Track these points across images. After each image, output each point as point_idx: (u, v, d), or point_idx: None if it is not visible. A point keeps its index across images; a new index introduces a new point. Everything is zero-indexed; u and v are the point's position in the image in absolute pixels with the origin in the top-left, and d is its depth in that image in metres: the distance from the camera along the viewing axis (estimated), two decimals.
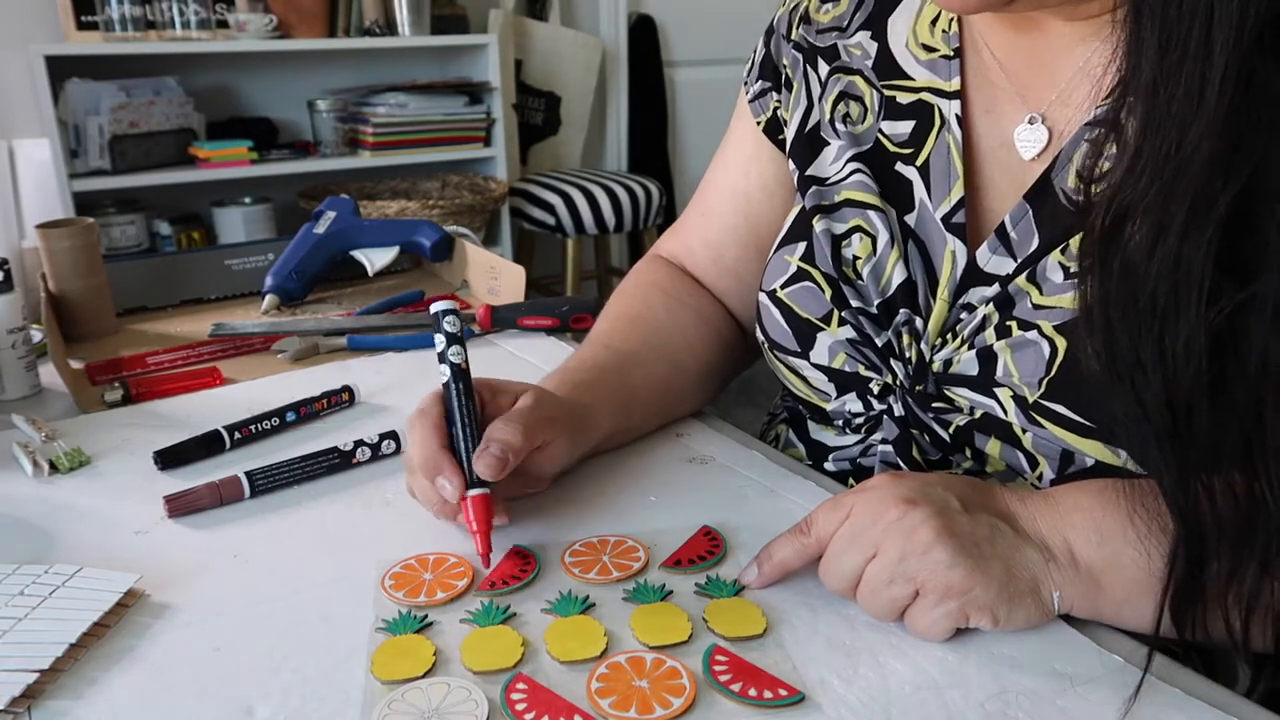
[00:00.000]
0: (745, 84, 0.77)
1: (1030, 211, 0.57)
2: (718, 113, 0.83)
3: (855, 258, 0.64)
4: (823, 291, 0.64)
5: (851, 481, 0.67)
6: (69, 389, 0.81)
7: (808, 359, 0.65)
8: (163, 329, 0.99)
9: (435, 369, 0.59)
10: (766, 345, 0.69)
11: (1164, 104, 0.44)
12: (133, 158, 2.17)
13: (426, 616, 0.51)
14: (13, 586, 0.52)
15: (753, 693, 0.44)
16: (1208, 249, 0.44)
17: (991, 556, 0.48)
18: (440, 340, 0.59)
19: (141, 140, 2.18)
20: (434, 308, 0.60)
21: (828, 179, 0.67)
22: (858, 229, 0.64)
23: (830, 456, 0.69)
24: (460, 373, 0.58)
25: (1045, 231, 0.57)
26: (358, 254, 1.10)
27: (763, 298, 0.68)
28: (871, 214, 0.63)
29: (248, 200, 2.38)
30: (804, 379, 0.67)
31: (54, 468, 0.67)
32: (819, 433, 0.71)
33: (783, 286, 0.66)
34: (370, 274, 1.11)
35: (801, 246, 0.66)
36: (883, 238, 0.63)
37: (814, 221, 0.66)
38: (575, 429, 0.62)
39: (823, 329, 0.64)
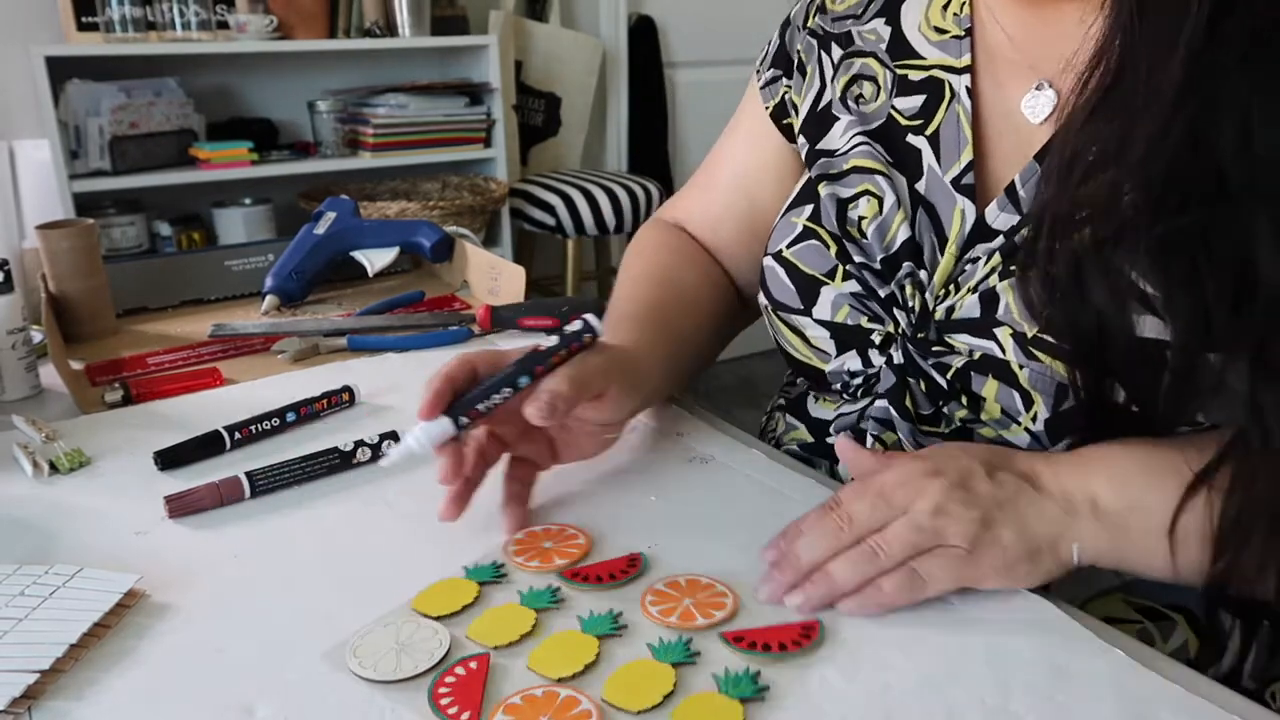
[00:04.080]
0: (758, 72, 0.80)
1: (1039, 171, 0.59)
2: (718, 114, 0.84)
3: (861, 218, 0.66)
4: (828, 248, 0.67)
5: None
6: (69, 389, 0.81)
7: (810, 315, 0.67)
8: (163, 329, 0.99)
9: (435, 369, 0.58)
10: (770, 307, 0.71)
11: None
12: (133, 158, 2.16)
13: (507, 576, 0.54)
14: (13, 587, 0.52)
15: None
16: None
17: (1005, 521, 0.50)
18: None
19: (142, 141, 2.18)
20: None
21: (836, 150, 0.70)
22: (865, 193, 0.66)
23: (831, 427, 0.70)
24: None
25: None
26: (358, 254, 1.10)
27: (768, 260, 0.70)
28: (879, 178, 0.66)
29: (248, 201, 2.38)
30: (805, 339, 0.68)
31: (54, 468, 0.67)
32: (818, 410, 0.73)
33: (788, 246, 0.69)
34: (370, 274, 1.11)
35: (809, 208, 0.69)
36: (889, 199, 0.65)
37: (820, 187, 0.69)
38: (628, 375, 0.61)
39: (826, 284, 0.66)
